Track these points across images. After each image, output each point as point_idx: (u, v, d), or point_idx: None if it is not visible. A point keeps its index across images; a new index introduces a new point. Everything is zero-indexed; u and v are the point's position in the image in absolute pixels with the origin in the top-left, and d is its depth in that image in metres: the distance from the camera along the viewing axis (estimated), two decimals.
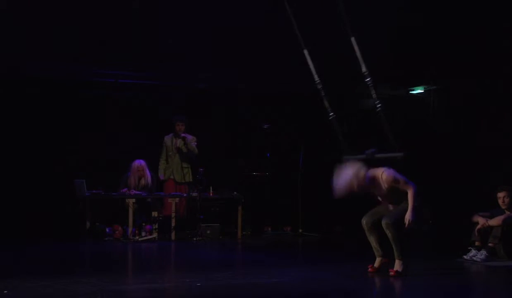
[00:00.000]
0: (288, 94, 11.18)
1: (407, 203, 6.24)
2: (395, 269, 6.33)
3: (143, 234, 9.53)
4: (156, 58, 9.88)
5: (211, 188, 10.08)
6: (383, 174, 6.24)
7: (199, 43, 9.53)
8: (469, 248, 7.65)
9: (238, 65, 10.00)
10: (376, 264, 6.53)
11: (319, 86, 6.54)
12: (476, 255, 7.50)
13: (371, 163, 6.25)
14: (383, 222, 6.28)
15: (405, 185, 6.23)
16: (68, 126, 10.45)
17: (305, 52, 6.58)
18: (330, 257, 8.20)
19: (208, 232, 9.81)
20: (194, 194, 9.84)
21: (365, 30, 9.21)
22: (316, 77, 6.58)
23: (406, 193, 6.26)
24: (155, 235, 9.57)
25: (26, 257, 7.87)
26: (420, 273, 6.70)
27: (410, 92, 11.61)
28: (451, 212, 9.69)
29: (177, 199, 9.80)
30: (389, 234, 6.28)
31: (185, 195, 9.99)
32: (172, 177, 10.32)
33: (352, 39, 6.36)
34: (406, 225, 6.20)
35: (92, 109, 10.56)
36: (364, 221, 6.48)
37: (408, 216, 6.17)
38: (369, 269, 6.50)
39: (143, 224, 9.65)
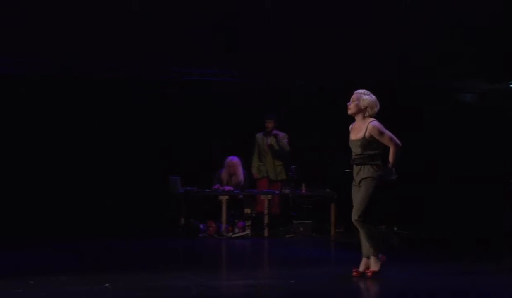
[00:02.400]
0: (382, 87, 10.95)
1: (368, 178, 5.91)
2: (371, 269, 5.97)
3: (236, 230, 9.60)
4: (250, 57, 9.95)
5: (303, 185, 10.02)
6: (370, 123, 6.02)
7: (293, 42, 9.52)
8: None
9: (331, 61, 9.91)
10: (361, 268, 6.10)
11: None
12: None
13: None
14: (353, 219, 5.98)
15: (390, 141, 5.95)
16: (163, 124, 10.68)
17: None
18: (424, 255, 7.96)
19: (301, 229, 9.77)
20: (287, 191, 9.82)
21: (463, 20, 8.91)
22: None
23: (376, 155, 5.97)
24: (248, 231, 9.62)
25: (122, 252, 8.09)
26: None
27: (511, 85, 11.13)
28: None
29: (269, 196, 9.80)
30: (361, 230, 5.97)
31: (277, 192, 9.99)
32: (266, 175, 10.33)
33: None
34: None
35: (186, 107, 10.75)
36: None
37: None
38: (354, 273, 6.08)
39: (236, 221, 9.72)
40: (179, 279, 5.79)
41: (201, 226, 9.73)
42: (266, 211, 9.66)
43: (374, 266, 5.99)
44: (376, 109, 6.11)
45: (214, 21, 9.30)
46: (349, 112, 6.14)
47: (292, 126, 10.51)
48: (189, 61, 10.04)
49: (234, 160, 10.10)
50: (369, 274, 5.97)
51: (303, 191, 10.02)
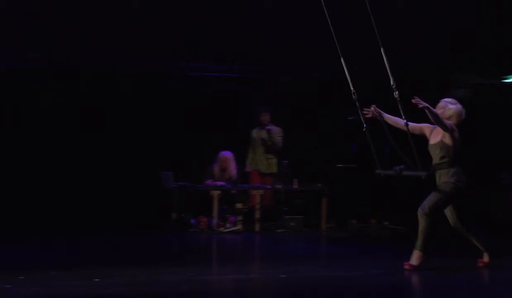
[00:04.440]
0: (373, 82, 10.96)
1: (451, 184, 6.07)
2: (410, 262, 6.09)
3: (228, 225, 9.60)
4: (240, 51, 9.92)
5: (295, 180, 10.02)
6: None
7: (283, 34, 9.51)
8: None
9: (320, 55, 9.90)
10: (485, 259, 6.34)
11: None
12: None
13: (399, 179, 6.32)
14: (418, 211, 6.13)
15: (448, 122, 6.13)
16: (156, 118, 10.67)
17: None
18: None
19: (292, 224, 9.77)
20: (279, 186, 9.82)
21: (456, 15, 8.94)
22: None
23: (455, 161, 6.12)
24: (239, 226, 9.61)
25: (113, 246, 8.08)
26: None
27: (503, 80, 11.14)
28: None
29: (261, 191, 9.80)
30: (420, 223, 6.10)
31: (269, 187, 9.99)
32: (257, 168, 10.32)
33: (382, 50, 6.23)
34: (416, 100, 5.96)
35: (180, 102, 10.74)
36: (452, 223, 6.29)
37: (424, 103, 5.94)
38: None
39: (227, 215, 9.72)
40: (170, 274, 5.78)
41: (193, 221, 9.72)
42: (257, 206, 9.66)
43: (415, 260, 6.10)
44: (461, 118, 6.28)
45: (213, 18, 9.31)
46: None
47: (285, 120, 10.51)
48: (183, 56, 10.03)
49: (226, 154, 10.08)
50: (406, 266, 6.08)
51: (295, 186, 10.02)
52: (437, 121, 6.06)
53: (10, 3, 8.91)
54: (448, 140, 6.10)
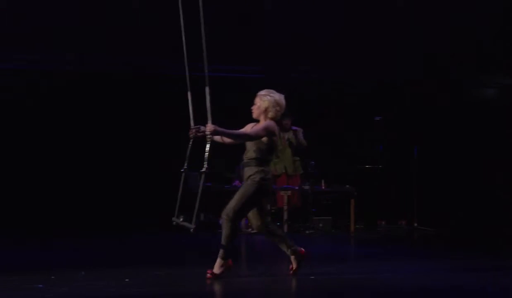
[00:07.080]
0: (399, 84, 10.93)
1: (250, 180, 5.66)
2: (213, 270, 5.63)
3: None
4: (261, 53, 9.96)
5: (323, 181, 10.00)
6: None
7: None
8: None
9: (343, 56, 9.90)
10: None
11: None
12: None
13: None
14: (223, 214, 5.71)
15: (256, 130, 5.62)
16: (183, 120, 10.70)
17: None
18: (445, 252, 7.91)
19: (321, 225, 9.76)
20: (306, 187, 9.81)
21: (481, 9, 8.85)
22: (192, 124, 5.98)
23: (264, 160, 5.68)
24: None
25: (141, 247, 8.14)
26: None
27: None
28: None
29: (289, 192, 9.80)
30: (224, 229, 5.68)
31: (297, 188, 9.98)
32: (284, 171, 10.29)
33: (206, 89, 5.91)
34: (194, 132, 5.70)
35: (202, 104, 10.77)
36: (254, 226, 5.93)
37: (210, 126, 5.58)
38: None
39: None
40: (199, 274, 5.80)
41: (220, 222, 9.74)
42: (285, 207, 9.66)
43: (217, 268, 5.68)
44: (278, 108, 5.71)
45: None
46: (254, 116, 5.82)
47: (312, 120, 10.50)
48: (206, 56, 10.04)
49: None
50: (208, 274, 5.65)
51: (323, 187, 10.00)
52: (239, 139, 5.68)
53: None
54: (263, 139, 5.65)
